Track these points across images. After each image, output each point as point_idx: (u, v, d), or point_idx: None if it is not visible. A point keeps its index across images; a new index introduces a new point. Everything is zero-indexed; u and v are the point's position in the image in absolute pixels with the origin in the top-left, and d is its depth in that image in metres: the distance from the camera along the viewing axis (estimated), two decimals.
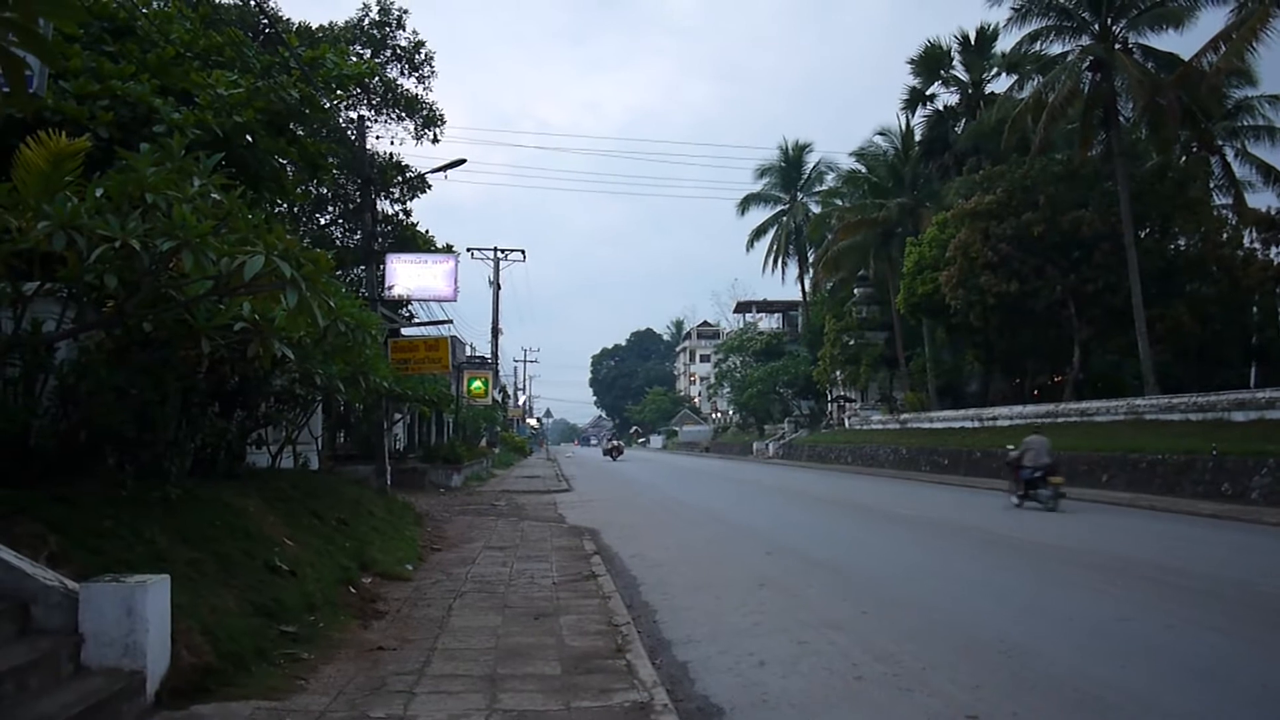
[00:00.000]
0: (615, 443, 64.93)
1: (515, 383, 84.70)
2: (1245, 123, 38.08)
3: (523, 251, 50.37)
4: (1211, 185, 38.04)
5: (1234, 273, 32.97)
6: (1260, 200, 37.61)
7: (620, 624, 8.05)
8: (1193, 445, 21.88)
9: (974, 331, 38.22)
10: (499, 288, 49.24)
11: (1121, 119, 33.49)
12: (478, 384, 39.67)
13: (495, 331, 49.77)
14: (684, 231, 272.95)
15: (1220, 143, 37.80)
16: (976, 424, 36.12)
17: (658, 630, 8.25)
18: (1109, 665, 6.81)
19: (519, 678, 6.33)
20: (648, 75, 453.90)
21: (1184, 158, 36.82)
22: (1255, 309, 36.31)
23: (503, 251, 48.87)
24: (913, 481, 30.74)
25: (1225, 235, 35.81)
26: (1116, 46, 32.49)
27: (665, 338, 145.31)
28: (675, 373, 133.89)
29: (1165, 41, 38.91)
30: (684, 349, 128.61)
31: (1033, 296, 34.04)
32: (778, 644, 7.59)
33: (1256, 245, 33.91)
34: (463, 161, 21.18)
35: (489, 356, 49.08)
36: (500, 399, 59.57)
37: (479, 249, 48.34)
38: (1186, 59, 29.97)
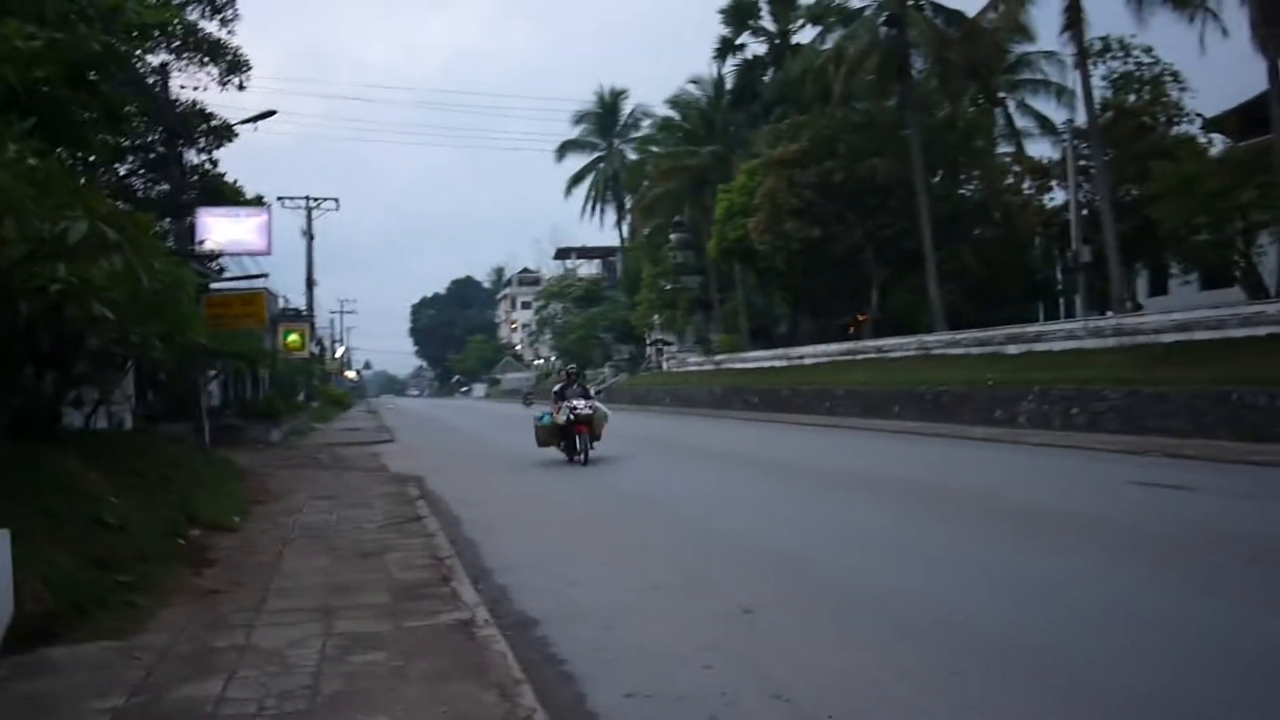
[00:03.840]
0: (580, 405, 17.54)
1: (333, 335, 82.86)
2: (1025, 77, 40.97)
3: (336, 199, 49.23)
4: (996, 135, 40.86)
5: (1013, 217, 35.68)
6: (1039, 149, 40.66)
7: (444, 557, 8.66)
8: (972, 377, 23.99)
9: (781, 275, 40.06)
10: (312, 238, 48.15)
11: (915, 72, 35.52)
12: (294, 337, 38.82)
13: (310, 283, 48.65)
14: (505, 177, 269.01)
15: (1003, 95, 40.54)
16: (785, 363, 38.05)
17: (480, 561, 8.90)
18: (871, 566, 7.93)
19: (352, 608, 6.86)
20: (470, 15, 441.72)
21: (971, 109, 39.31)
22: (1036, 250, 39.40)
23: (315, 200, 47.75)
24: (726, 419, 32.27)
25: (1008, 182, 38.64)
26: (909, 3, 34.35)
27: (486, 285, 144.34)
28: (497, 320, 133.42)
29: None
30: (505, 296, 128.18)
31: (834, 241, 35.95)
32: (589, 567, 8.41)
33: (1032, 191, 36.70)
34: (272, 113, 20.98)
35: (305, 309, 48.01)
36: (318, 352, 58.29)
37: (290, 198, 47.04)
38: (972, 16, 32.07)
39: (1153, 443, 16.51)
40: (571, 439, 17.36)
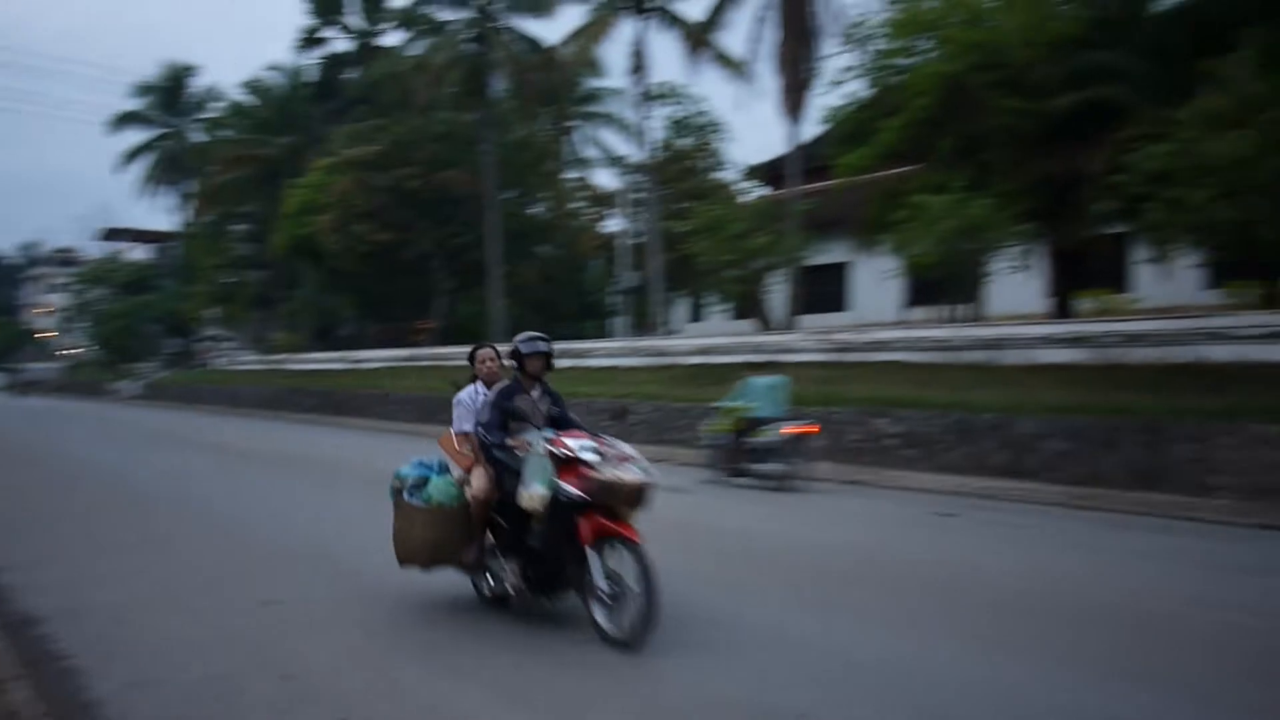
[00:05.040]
0: (592, 451, 5.97)
1: None
2: (596, 109, 43.74)
3: None
4: (565, 160, 43.17)
5: (574, 239, 37.88)
6: (604, 178, 43.57)
7: None
8: None
9: (350, 277, 39.45)
10: None
11: (496, 91, 36.64)
12: None
13: None
14: (46, 144, 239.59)
15: (574, 124, 42.99)
16: (345, 365, 37.54)
17: None
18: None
19: None
20: None
21: (545, 133, 41.22)
22: (593, 272, 42.05)
23: None
24: (279, 421, 31.24)
25: (573, 205, 40.97)
26: (494, 24, 35.40)
27: (14, 262, 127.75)
28: (23, 302, 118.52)
29: (538, 27, 43.12)
30: (36, 275, 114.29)
31: (405, 247, 36.12)
32: (106, 563, 8.12)
33: (593, 217, 39.22)
34: None
35: None
36: None
37: None
38: (553, 44, 33.71)
39: (672, 452, 18.30)
40: (554, 561, 6.14)
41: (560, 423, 6.58)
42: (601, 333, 38.73)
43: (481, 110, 36.50)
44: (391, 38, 46.33)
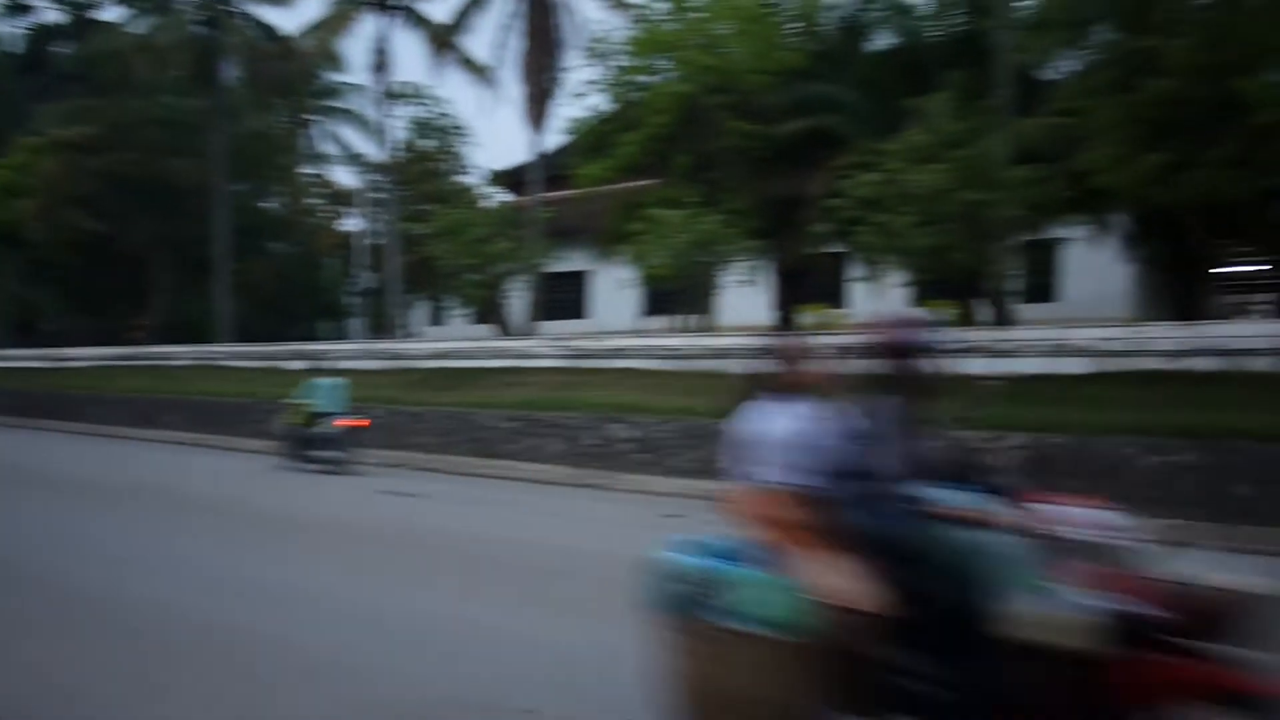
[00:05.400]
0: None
1: None
2: (336, 104, 42.29)
3: None
4: (303, 155, 41.53)
5: (309, 237, 36.60)
6: (343, 176, 42.25)
7: None
8: (253, 390, 24.02)
9: (56, 268, 36.47)
10: None
11: (229, 79, 34.78)
12: None
13: None
14: None
15: (313, 117, 41.43)
16: (50, 364, 34.56)
17: None
18: (92, 571, 7.94)
19: None
20: None
21: (281, 125, 39.52)
22: (329, 271, 40.64)
23: None
24: None
25: (309, 202, 39.51)
26: (227, 7, 33.63)
27: None
28: None
29: (276, 15, 41.38)
30: None
31: (121, 238, 33.69)
32: None
33: (331, 214, 38.04)
34: None
35: None
36: None
37: None
38: (291, 34, 32.46)
39: (408, 457, 18.06)
40: None
41: (970, 471, 3.91)
42: (338, 334, 37.60)
43: (211, 97, 34.58)
44: (111, 12, 43.09)
